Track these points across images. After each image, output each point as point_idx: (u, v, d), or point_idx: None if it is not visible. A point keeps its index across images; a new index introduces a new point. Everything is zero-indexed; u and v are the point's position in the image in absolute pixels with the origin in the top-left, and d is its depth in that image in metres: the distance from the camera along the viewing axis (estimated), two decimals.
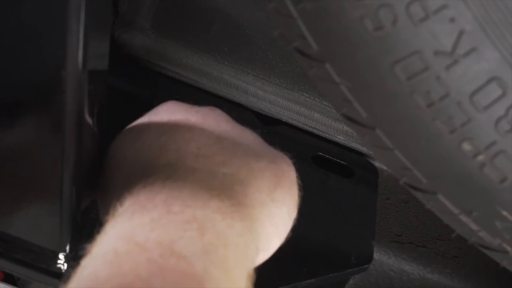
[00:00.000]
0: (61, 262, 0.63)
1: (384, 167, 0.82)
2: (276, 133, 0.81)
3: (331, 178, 0.80)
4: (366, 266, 0.76)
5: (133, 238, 0.42)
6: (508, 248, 0.51)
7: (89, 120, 0.53)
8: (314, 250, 0.74)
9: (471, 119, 0.44)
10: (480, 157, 0.45)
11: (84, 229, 0.65)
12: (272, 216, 0.51)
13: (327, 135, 0.82)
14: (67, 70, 0.47)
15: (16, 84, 0.49)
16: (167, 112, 0.55)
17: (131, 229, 0.43)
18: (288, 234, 0.55)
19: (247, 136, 0.55)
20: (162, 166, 0.49)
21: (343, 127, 0.81)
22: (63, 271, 0.63)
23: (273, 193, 0.51)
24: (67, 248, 0.62)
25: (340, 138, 0.82)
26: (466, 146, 0.45)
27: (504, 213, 0.48)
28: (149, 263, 0.40)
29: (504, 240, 0.50)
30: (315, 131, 0.82)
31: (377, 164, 0.85)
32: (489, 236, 0.50)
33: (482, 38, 0.42)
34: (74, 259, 0.63)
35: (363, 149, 0.84)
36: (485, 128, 0.44)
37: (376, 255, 0.89)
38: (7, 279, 0.76)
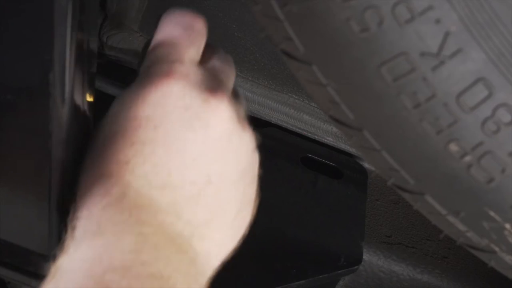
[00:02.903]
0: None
1: (373, 168, 0.83)
2: (266, 135, 0.81)
3: (320, 179, 0.80)
4: (355, 267, 0.76)
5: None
6: (496, 248, 0.51)
7: (77, 123, 0.53)
8: (303, 252, 0.74)
9: (458, 120, 0.44)
10: (467, 158, 0.46)
11: None
12: None
13: (316, 136, 0.82)
14: (55, 73, 0.47)
15: (2, 86, 0.49)
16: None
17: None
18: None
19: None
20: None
21: (332, 128, 0.81)
22: None
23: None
24: (56, 251, 0.62)
25: (329, 140, 0.82)
26: (453, 147, 0.45)
27: (492, 213, 0.48)
28: None
29: (492, 240, 0.50)
30: (304, 132, 0.82)
31: (366, 165, 0.85)
32: (477, 237, 0.50)
33: (468, 39, 0.42)
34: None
35: (352, 151, 0.84)
36: (472, 128, 0.44)
37: (366, 256, 0.89)
38: None
